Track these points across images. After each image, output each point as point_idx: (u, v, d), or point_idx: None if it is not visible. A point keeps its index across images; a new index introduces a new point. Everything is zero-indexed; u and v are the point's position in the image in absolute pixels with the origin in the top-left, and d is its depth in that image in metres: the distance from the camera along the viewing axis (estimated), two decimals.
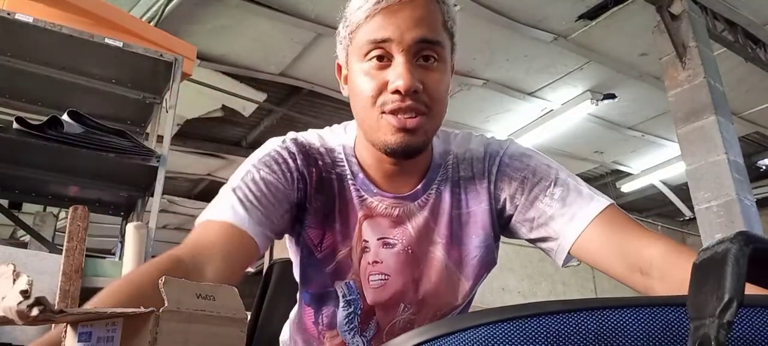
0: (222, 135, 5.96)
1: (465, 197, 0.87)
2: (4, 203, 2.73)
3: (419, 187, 0.86)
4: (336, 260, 0.85)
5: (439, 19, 0.78)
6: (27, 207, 4.24)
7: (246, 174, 0.81)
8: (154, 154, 2.09)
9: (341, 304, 0.86)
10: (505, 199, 0.86)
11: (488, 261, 0.89)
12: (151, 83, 2.37)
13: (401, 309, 0.86)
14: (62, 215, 4.19)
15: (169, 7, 3.68)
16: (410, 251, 0.85)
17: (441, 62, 0.78)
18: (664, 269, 0.70)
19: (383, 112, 0.76)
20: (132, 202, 2.41)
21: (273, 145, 0.86)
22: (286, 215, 0.82)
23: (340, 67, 0.87)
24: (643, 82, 5.18)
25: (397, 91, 0.74)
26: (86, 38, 2.10)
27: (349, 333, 0.87)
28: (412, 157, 0.81)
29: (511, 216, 0.86)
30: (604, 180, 7.55)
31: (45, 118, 1.90)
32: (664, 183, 7.53)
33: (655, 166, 7.07)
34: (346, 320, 0.86)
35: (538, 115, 5.77)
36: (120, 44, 2.14)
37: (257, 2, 3.94)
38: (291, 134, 0.88)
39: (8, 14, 2.00)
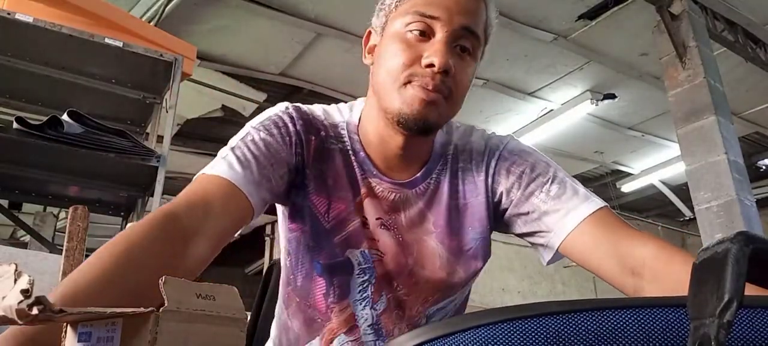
0: (222, 135, 5.95)
1: (463, 188, 0.88)
2: (4, 203, 2.73)
3: (418, 175, 0.86)
4: (346, 230, 0.84)
5: (483, 18, 0.81)
6: (27, 207, 4.24)
7: (246, 135, 0.81)
8: (154, 154, 2.09)
9: (356, 271, 0.85)
10: (501, 192, 0.87)
11: (485, 253, 0.89)
12: (151, 83, 2.37)
13: (395, 286, 0.86)
14: (62, 215, 4.20)
15: (169, 7, 3.68)
16: (401, 238, 0.86)
17: (473, 58, 0.81)
18: (656, 270, 0.71)
19: (409, 82, 0.77)
20: (132, 202, 2.41)
21: (275, 109, 0.87)
22: (285, 177, 0.81)
23: (369, 35, 0.87)
24: (643, 82, 5.19)
25: (430, 65, 0.76)
26: (86, 38, 2.11)
27: (360, 304, 0.85)
28: (423, 135, 0.82)
29: (505, 210, 0.87)
30: (604, 180, 7.55)
31: (45, 118, 1.90)
32: (664, 183, 7.53)
33: (655, 166, 7.07)
34: (360, 289, 0.85)
35: (538, 115, 5.77)
36: (120, 44, 2.14)
37: (257, 2, 3.94)
38: (295, 104, 0.89)
39: (8, 14, 2.00)
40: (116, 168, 2.10)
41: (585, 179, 7.65)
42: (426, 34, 0.78)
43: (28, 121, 1.88)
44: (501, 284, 7.18)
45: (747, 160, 4.34)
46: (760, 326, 0.32)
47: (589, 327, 0.33)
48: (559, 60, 4.87)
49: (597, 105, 5.44)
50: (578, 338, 0.32)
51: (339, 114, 0.90)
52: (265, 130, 0.82)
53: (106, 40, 2.13)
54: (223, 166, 0.75)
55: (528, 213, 0.84)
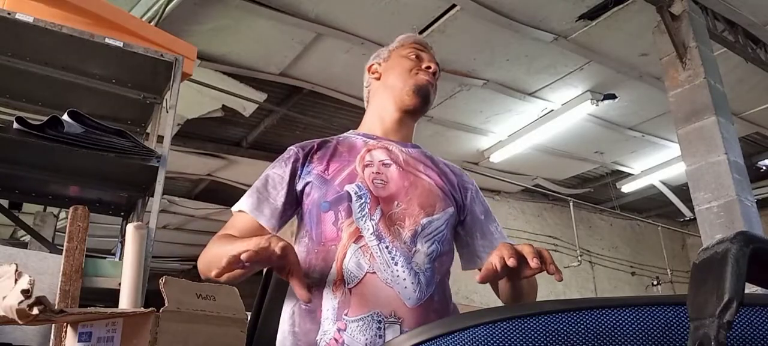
0: (222, 135, 5.95)
1: (444, 168, 1.30)
2: (4, 203, 2.73)
3: (410, 144, 1.30)
4: (343, 174, 1.18)
5: None
6: (27, 207, 4.23)
7: (261, 175, 1.22)
8: (154, 154, 2.09)
9: (354, 198, 1.15)
10: (467, 202, 1.29)
11: (454, 223, 1.24)
12: (151, 83, 2.37)
13: (396, 204, 1.16)
14: (62, 215, 4.20)
15: (169, 7, 3.68)
16: (402, 169, 1.22)
17: None
18: None
19: (417, 74, 1.29)
20: (132, 202, 2.41)
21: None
22: (282, 191, 1.19)
23: (372, 67, 1.39)
24: (644, 82, 5.18)
25: (428, 67, 1.31)
26: (86, 38, 2.10)
27: (362, 219, 1.13)
28: (423, 108, 1.30)
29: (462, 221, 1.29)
30: (604, 180, 7.54)
31: (45, 118, 1.90)
32: (665, 183, 7.53)
33: (655, 166, 7.06)
34: (359, 207, 1.14)
35: (539, 115, 5.77)
36: (120, 44, 2.14)
37: (257, 2, 3.94)
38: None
39: (8, 14, 2.00)
40: (116, 168, 2.09)
41: (585, 179, 7.64)
42: (418, 57, 1.33)
43: (29, 121, 1.88)
44: None
45: (747, 160, 4.35)
46: (759, 326, 0.32)
47: (587, 326, 0.33)
48: (559, 60, 4.87)
49: (597, 105, 5.44)
50: (577, 336, 0.32)
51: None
52: (271, 168, 1.23)
53: (107, 40, 2.13)
54: (241, 201, 1.20)
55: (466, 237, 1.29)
